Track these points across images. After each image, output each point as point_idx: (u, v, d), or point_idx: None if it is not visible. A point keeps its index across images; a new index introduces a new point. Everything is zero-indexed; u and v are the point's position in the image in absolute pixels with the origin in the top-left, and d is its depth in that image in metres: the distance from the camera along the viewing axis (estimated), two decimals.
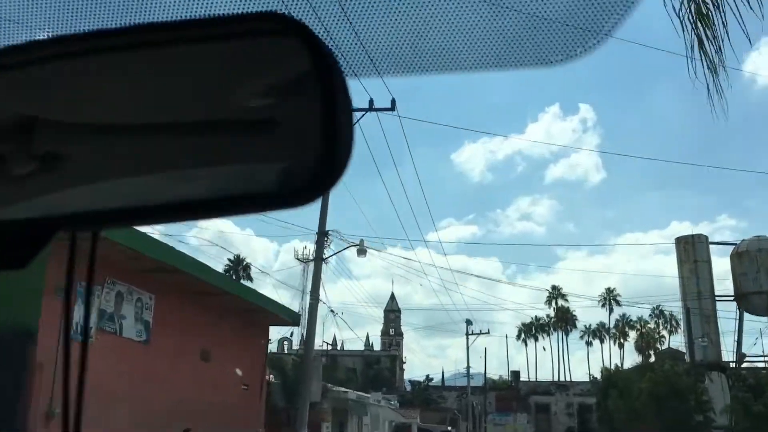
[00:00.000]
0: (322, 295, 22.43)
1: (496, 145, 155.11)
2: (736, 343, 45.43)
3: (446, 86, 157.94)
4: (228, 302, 19.26)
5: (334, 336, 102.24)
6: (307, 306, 22.03)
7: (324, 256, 23.24)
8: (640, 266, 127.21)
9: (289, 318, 23.07)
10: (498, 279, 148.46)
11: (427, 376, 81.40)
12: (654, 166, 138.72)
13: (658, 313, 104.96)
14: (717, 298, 47.03)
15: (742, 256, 46.38)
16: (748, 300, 45.94)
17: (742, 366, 43.34)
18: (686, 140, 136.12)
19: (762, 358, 43.37)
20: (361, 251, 23.07)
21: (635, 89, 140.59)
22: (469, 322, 67.48)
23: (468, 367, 66.17)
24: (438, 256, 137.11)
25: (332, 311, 60.01)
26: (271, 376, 35.92)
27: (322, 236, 23.36)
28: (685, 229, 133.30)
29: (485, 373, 72.62)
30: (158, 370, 16.36)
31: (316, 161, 0.85)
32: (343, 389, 32.65)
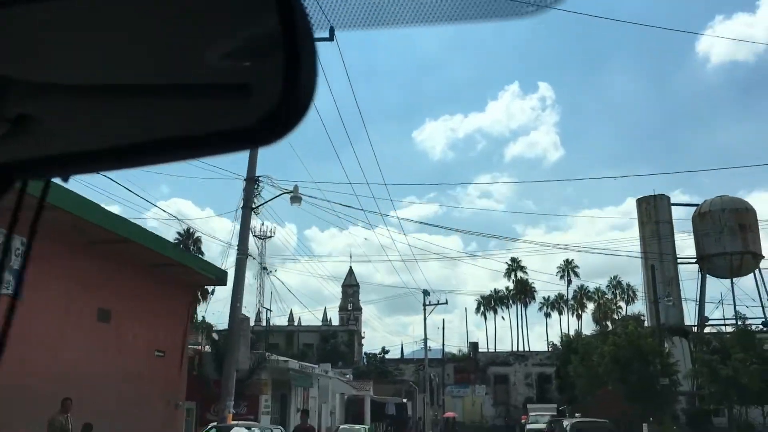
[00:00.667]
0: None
1: (456, 123, 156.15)
2: (698, 306, 43.98)
3: (406, 65, 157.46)
4: (133, 254, 16.26)
5: (291, 312, 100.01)
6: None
7: (255, 205, 20.43)
8: (595, 243, 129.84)
9: (214, 276, 20.12)
10: (458, 257, 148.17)
11: (383, 348, 79.14)
12: (610, 144, 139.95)
13: (615, 284, 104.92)
14: (679, 260, 45.44)
15: (705, 217, 44.76)
16: (711, 262, 44.42)
17: (705, 330, 41.88)
18: (642, 118, 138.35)
19: (724, 322, 42.00)
20: (295, 198, 20.21)
21: (594, 67, 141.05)
22: (426, 293, 65.29)
23: (425, 339, 63.98)
24: (401, 236, 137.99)
25: (265, 268, 56.93)
26: (206, 346, 32.94)
27: (252, 183, 20.54)
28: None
29: (443, 344, 70.71)
30: (37, 330, 13.35)
31: (280, 99, 0.87)
32: (283, 358, 29.85)
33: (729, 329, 39.72)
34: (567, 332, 52.89)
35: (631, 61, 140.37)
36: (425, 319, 64.53)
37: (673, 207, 46.44)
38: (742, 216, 43.73)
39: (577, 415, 31.58)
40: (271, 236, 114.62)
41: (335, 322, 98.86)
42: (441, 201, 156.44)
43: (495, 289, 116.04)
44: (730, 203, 43.78)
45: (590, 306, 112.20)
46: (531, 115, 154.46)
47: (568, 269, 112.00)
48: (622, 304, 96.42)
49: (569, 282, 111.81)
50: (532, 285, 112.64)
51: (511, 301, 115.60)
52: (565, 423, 30.43)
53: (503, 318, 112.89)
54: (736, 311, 42.91)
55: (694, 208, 46.34)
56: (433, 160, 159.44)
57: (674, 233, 45.93)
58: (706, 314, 41.68)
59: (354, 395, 45.26)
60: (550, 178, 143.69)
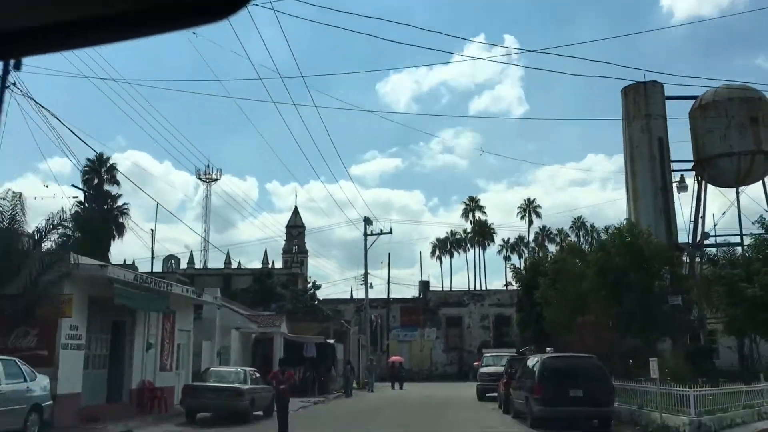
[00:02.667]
0: None
1: (421, 76, 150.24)
2: (692, 221, 34.53)
3: (370, 12, 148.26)
4: None
5: (227, 254, 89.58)
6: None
7: None
8: (557, 199, 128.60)
9: None
10: (419, 211, 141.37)
11: (314, 282, 69.21)
12: (574, 99, 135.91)
13: (579, 225, 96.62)
14: (674, 163, 35.85)
15: (707, 110, 35.03)
16: (714, 166, 34.87)
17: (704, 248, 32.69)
18: (606, 73, 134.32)
19: (727, 238, 32.60)
20: None
21: (560, 21, 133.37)
22: (368, 221, 55.22)
23: (366, 273, 54.01)
24: (363, 190, 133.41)
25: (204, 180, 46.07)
26: None
27: None
28: (601, 161, 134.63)
29: (388, 280, 61.02)
30: None
31: None
32: (99, 263, 19.34)
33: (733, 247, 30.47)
34: (533, 256, 43.18)
35: (598, 15, 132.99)
36: (365, 250, 54.57)
37: (667, 102, 36.59)
38: (754, 106, 34.19)
39: (548, 349, 21.93)
40: (216, 179, 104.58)
41: (279, 265, 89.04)
42: (403, 156, 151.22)
43: (452, 231, 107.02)
44: (739, 92, 34.05)
45: (552, 249, 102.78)
46: (496, 68, 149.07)
47: (529, 209, 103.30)
48: (587, 246, 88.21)
49: (530, 223, 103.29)
50: (491, 226, 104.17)
51: (468, 245, 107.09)
52: (533, 360, 20.89)
53: (459, 254, 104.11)
54: (741, 224, 33.67)
55: (691, 102, 36.54)
56: (396, 115, 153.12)
57: (667, 131, 36.19)
58: (705, 230, 32.11)
59: (263, 334, 35.12)
60: (515, 132, 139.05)
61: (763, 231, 25.01)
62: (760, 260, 23.65)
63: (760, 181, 35.69)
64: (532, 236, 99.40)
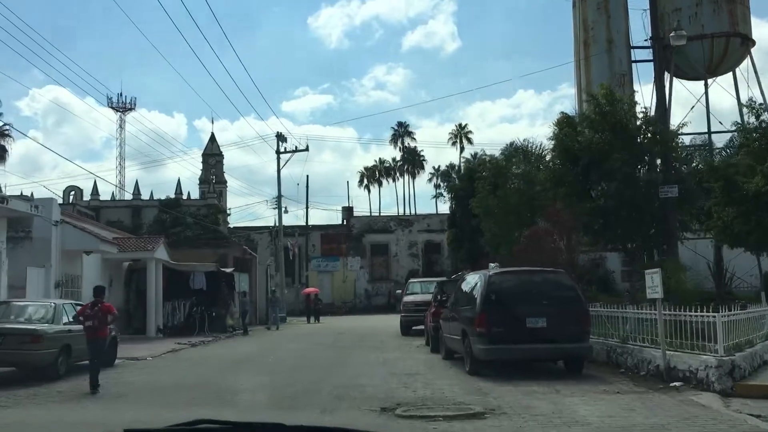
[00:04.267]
0: None
1: (353, 9, 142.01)
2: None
3: None
4: None
5: (136, 183, 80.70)
6: None
7: None
8: (486, 135, 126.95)
9: None
10: (351, 149, 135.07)
11: (217, 206, 61.80)
12: (506, 36, 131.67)
13: (512, 150, 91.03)
14: (634, 50, 29.60)
15: None
16: (680, 53, 28.78)
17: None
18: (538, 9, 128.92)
19: (694, 137, 26.69)
20: None
21: None
22: (281, 138, 47.71)
23: (279, 196, 46.85)
24: (295, 127, 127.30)
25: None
26: None
27: None
28: (530, 96, 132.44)
29: (306, 204, 53.97)
30: None
31: None
32: None
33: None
34: (468, 162, 37.07)
35: None
36: (278, 170, 47.23)
37: None
38: None
39: (492, 265, 15.51)
40: (131, 108, 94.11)
41: (195, 196, 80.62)
42: (335, 92, 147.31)
43: (380, 159, 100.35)
44: None
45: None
46: (429, 3, 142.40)
47: (461, 135, 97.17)
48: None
49: (462, 149, 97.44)
50: (421, 154, 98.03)
51: (398, 173, 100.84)
52: (472, 279, 14.53)
53: (388, 184, 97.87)
54: (710, 122, 27.98)
55: None
56: (329, 48, 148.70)
57: (628, 11, 29.80)
58: (672, 125, 26.12)
59: (136, 262, 27.80)
60: (447, 69, 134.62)
61: (754, 117, 19.00)
62: (753, 151, 17.71)
63: (731, 72, 29.97)
64: (463, 163, 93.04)
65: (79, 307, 13.51)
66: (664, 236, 15.82)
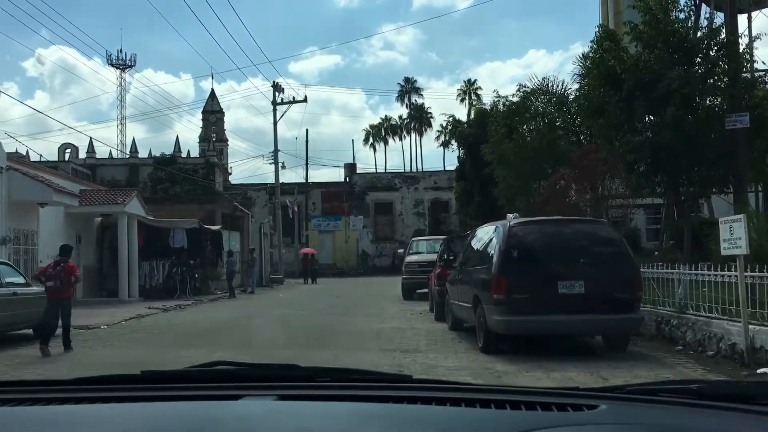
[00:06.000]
0: None
1: None
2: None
3: None
4: None
5: (133, 140, 77.84)
6: None
7: None
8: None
9: None
10: (359, 109, 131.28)
11: (207, 159, 58.94)
12: None
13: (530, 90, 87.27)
14: None
15: None
16: None
17: None
18: None
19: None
20: None
21: None
22: (277, 88, 44.40)
23: (276, 150, 43.70)
24: (302, 88, 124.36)
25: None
26: None
27: None
28: (541, 56, 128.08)
29: (306, 160, 50.79)
30: None
31: None
32: None
33: None
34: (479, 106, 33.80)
35: None
36: (275, 122, 44.07)
37: None
38: None
39: (511, 215, 12.42)
40: (131, 65, 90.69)
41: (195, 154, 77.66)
42: (343, 52, 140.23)
43: (386, 116, 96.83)
44: None
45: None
46: None
47: (470, 91, 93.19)
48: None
49: (471, 105, 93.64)
50: (429, 111, 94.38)
51: (404, 132, 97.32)
52: (487, 231, 11.47)
53: (395, 142, 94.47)
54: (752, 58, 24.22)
55: None
56: (338, 7, 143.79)
57: None
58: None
59: (106, 217, 24.90)
60: (458, 29, 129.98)
61: None
62: None
63: None
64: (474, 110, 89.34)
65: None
66: (734, 177, 12.62)
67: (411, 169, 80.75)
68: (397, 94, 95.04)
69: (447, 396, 1.62)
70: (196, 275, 26.12)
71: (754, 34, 14.02)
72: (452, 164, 64.41)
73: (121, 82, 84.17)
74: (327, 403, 1.59)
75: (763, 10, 25.82)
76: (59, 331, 11.52)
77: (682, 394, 1.62)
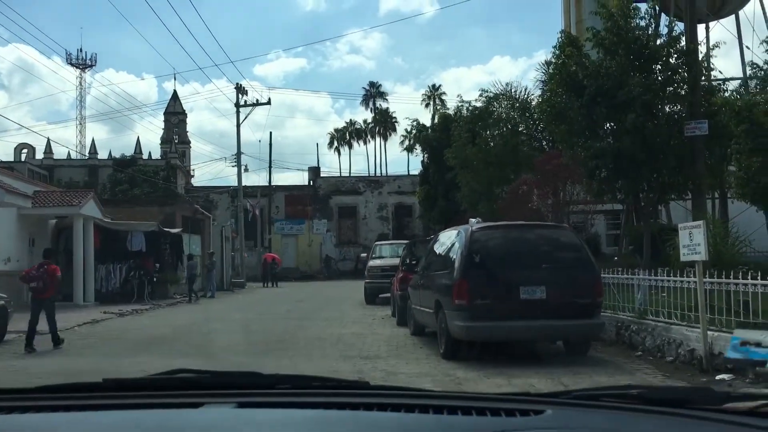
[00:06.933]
0: None
1: None
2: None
3: None
4: None
5: (92, 141, 76.54)
6: None
7: None
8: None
9: None
10: (325, 113, 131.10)
11: (167, 161, 58.13)
12: (482, 1, 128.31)
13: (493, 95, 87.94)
14: None
15: None
16: None
17: None
18: None
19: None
20: None
21: None
22: (240, 90, 43.88)
23: (239, 152, 43.20)
24: (267, 91, 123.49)
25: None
26: None
27: None
28: (506, 63, 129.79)
29: (270, 163, 50.31)
30: None
31: None
32: None
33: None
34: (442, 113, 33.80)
35: None
36: (238, 124, 43.53)
37: None
38: None
39: (473, 220, 12.36)
40: (91, 65, 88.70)
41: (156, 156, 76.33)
42: (309, 56, 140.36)
43: (351, 120, 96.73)
44: None
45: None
46: None
47: (434, 96, 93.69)
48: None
49: (435, 110, 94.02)
50: (393, 115, 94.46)
51: (369, 135, 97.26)
52: (449, 236, 11.34)
53: (360, 146, 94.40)
54: (743, 57, 24.61)
55: None
56: (305, 10, 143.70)
57: None
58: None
59: (61, 219, 24.20)
60: (424, 34, 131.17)
61: None
62: None
63: (733, 15, 26.96)
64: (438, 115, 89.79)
65: None
66: (693, 184, 12.72)
67: (376, 174, 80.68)
68: (362, 99, 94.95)
69: (402, 402, 1.65)
70: (155, 279, 25.52)
71: (712, 43, 14.17)
72: (416, 169, 64.46)
73: (80, 82, 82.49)
74: (286, 410, 1.63)
75: (721, 21, 26.44)
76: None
77: (625, 399, 1.69)
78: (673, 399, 1.70)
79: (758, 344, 6.42)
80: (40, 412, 1.63)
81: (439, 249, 11.82)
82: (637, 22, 13.03)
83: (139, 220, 26.80)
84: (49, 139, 76.71)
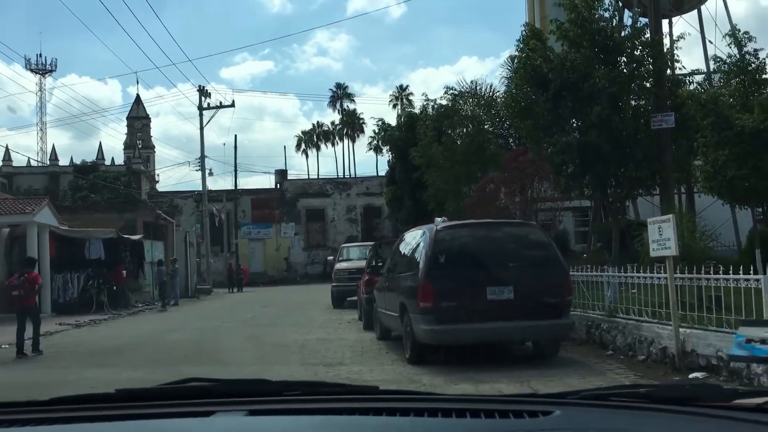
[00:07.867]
0: None
1: None
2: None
3: None
4: None
5: (53, 147, 74.74)
6: None
7: None
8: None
9: None
10: (293, 116, 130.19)
11: (127, 167, 57.06)
12: (452, 3, 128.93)
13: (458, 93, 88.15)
14: None
15: None
16: None
17: None
18: None
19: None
20: None
21: None
22: (203, 93, 43.08)
23: (203, 156, 42.41)
24: (235, 94, 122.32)
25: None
26: None
27: None
28: (473, 63, 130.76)
29: (235, 167, 49.51)
30: None
31: None
32: None
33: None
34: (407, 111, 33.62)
35: None
36: (201, 127, 42.73)
37: None
38: None
39: (439, 219, 12.02)
40: (51, 70, 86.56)
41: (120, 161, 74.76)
42: (276, 58, 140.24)
43: (318, 122, 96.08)
44: None
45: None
46: None
47: (402, 97, 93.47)
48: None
49: (403, 110, 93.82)
50: (361, 116, 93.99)
51: (336, 138, 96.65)
52: (414, 236, 10.98)
53: (327, 149, 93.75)
54: (706, 52, 24.71)
55: None
56: (271, 12, 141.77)
57: None
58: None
59: (14, 227, 23.30)
60: (391, 35, 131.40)
61: (736, 48, 15.90)
62: (741, 85, 14.72)
63: (695, 10, 27.14)
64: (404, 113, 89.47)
65: None
66: (660, 178, 12.54)
67: (345, 175, 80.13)
68: (329, 100, 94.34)
69: (411, 406, 1.67)
70: (115, 288, 24.72)
71: (676, 35, 14.04)
72: (385, 169, 64.12)
73: (41, 88, 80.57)
74: (296, 417, 1.66)
75: (684, 16, 26.56)
76: None
77: (633, 397, 1.70)
78: (681, 396, 1.71)
79: (763, 341, 6.20)
80: (54, 424, 1.65)
81: (403, 250, 11.45)
82: (601, 13, 12.91)
83: (98, 227, 25.98)
84: (7, 146, 74.75)
